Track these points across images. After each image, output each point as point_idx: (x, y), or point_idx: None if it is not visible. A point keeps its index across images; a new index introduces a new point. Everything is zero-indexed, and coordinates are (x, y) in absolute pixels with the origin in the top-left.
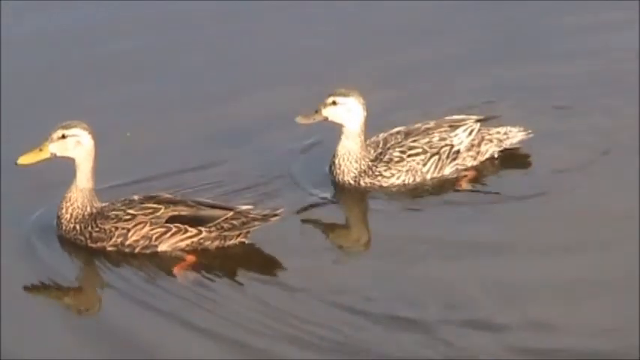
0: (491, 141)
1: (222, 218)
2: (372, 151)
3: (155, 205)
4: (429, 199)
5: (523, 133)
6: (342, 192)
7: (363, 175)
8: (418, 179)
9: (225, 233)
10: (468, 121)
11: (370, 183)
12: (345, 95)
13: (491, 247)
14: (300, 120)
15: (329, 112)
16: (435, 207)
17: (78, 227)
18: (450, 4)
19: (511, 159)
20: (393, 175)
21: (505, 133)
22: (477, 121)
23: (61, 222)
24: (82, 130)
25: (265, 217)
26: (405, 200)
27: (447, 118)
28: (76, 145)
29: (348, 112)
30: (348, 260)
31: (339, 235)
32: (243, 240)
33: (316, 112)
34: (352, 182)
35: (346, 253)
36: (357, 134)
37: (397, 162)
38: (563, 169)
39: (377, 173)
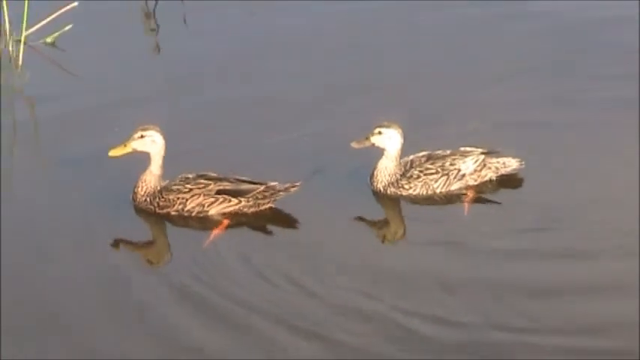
0: (490, 169)
1: (257, 191)
2: (402, 168)
3: (205, 181)
4: (442, 207)
5: (517, 163)
6: (376, 195)
7: (390, 185)
8: (430, 192)
9: (259, 202)
10: (475, 153)
11: (394, 192)
12: (387, 127)
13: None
14: (354, 145)
15: (375, 140)
16: (447, 213)
17: (148, 199)
18: None
19: (506, 181)
20: (411, 187)
21: (503, 163)
22: (482, 153)
23: (136, 196)
24: (155, 132)
25: (287, 189)
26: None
27: (460, 148)
28: (152, 143)
29: (389, 140)
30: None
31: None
32: (271, 205)
33: (366, 139)
34: (382, 190)
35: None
36: (395, 157)
37: (416, 178)
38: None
39: (400, 185)
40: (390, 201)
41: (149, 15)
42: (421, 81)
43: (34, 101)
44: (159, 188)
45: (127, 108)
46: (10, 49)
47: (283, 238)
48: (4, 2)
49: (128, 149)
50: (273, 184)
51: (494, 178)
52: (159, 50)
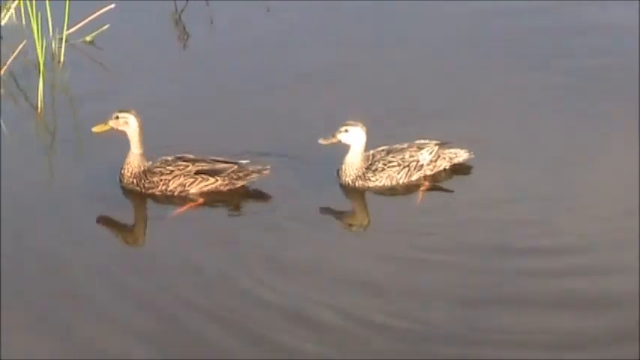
0: (444, 159)
1: (230, 170)
2: (366, 162)
3: (184, 163)
4: (402, 197)
5: (467, 154)
6: (343, 188)
7: (357, 178)
8: (394, 183)
9: (234, 181)
10: (430, 144)
11: (361, 184)
12: (353, 125)
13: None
14: (321, 142)
15: (342, 137)
16: (405, 200)
17: (134, 181)
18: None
19: (457, 170)
20: (377, 179)
21: (455, 153)
22: (436, 144)
23: (123, 177)
24: (130, 115)
25: (260, 171)
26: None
27: (415, 141)
28: (124, 124)
29: (355, 137)
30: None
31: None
32: (244, 184)
33: (333, 136)
34: (350, 183)
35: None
36: (360, 152)
37: (380, 171)
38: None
39: (366, 178)
40: (356, 192)
41: (177, 19)
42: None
43: (74, 95)
44: (143, 169)
45: (157, 104)
46: (53, 47)
47: (253, 220)
48: (47, 3)
49: (107, 127)
50: (243, 162)
51: (448, 168)
52: (185, 46)
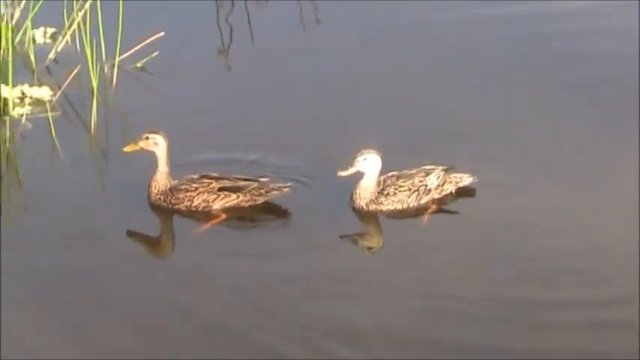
0: (450, 183)
1: (251, 187)
2: (378, 187)
3: (208, 180)
4: (413, 219)
5: (471, 178)
6: (356, 212)
7: (371, 202)
8: (404, 206)
9: (255, 197)
10: (437, 170)
11: (374, 208)
12: (370, 153)
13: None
14: (342, 174)
15: (360, 166)
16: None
17: (161, 197)
18: None
19: (463, 193)
20: (389, 203)
21: (460, 178)
22: (443, 170)
23: (151, 194)
24: (158, 136)
25: (280, 188)
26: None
27: (423, 167)
28: (154, 144)
29: (372, 164)
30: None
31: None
32: (265, 200)
33: (351, 166)
34: (364, 207)
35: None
36: (375, 178)
37: (392, 195)
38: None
39: (379, 202)
40: (370, 216)
41: (223, 50)
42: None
43: (126, 116)
44: (169, 186)
45: (201, 126)
46: (106, 71)
47: (273, 236)
48: (101, 30)
49: (137, 147)
50: (264, 180)
51: (454, 191)
52: (230, 69)
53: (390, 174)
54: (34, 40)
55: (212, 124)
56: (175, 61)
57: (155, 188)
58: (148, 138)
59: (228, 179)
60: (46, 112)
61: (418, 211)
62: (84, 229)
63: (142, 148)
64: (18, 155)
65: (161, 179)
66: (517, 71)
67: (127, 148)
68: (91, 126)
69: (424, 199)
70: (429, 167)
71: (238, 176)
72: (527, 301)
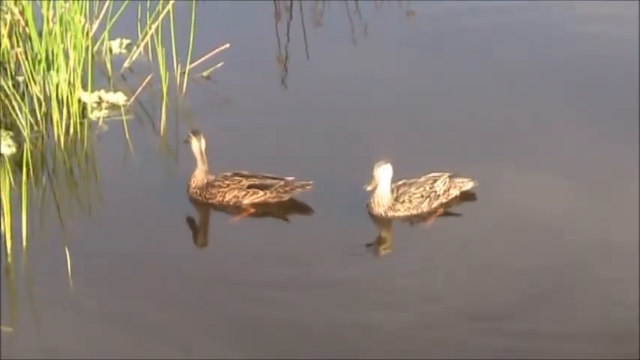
0: (455, 187)
1: (278, 185)
2: (393, 195)
3: (239, 178)
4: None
5: (472, 182)
6: (376, 219)
7: (389, 209)
8: (418, 211)
9: (280, 195)
10: (442, 176)
11: (392, 214)
12: (386, 163)
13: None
14: (368, 188)
15: (380, 176)
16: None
17: (198, 191)
18: None
19: (465, 196)
20: (405, 209)
21: (462, 182)
22: (448, 176)
23: (189, 188)
24: (193, 137)
25: (303, 186)
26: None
27: (429, 175)
28: (193, 145)
29: (389, 174)
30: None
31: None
32: (290, 196)
33: (374, 178)
34: (383, 214)
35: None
36: (389, 186)
37: (408, 202)
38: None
39: (396, 209)
40: (386, 222)
41: (281, 59)
42: None
43: (193, 123)
44: (206, 182)
45: (258, 132)
46: (176, 79)
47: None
48: (173, 42)
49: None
50: (289, 178)
51: (457, 195)
52: (286, 86)
53: (400, 182)
54: (110, 51)
55: (267, 132)
56: (239, 70)
57: (193, 183)
58: (187, 141)
59: (257, 177)
60: (121, 115)
61: (427, 215)
62: (151, 221)
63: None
64: (95, 154)
65: (198, 175)
66: (535, 78)
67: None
68: (161, 128)
69: (434, 204)
70: (434, 174)
71: (266, 175)
72: (549, 304)
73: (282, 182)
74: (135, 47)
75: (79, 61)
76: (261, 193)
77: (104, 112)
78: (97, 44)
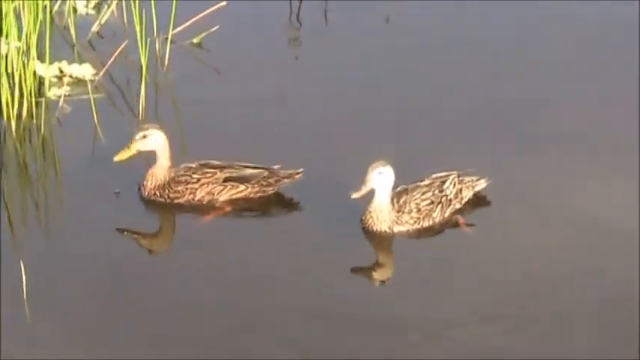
0: (467, 188)
1: (261, 176)
2: (393, 205)
3: (212, 170)
4: (442, 234)
5: (484, 181)
6: (371, 235)
7: (394, 224)
8: (431, 222)
9: (264, 188)
10: (450, 176)
11: (399, 229)
12: (384, 166)
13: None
14: (355, 196)
15: (375, 182)
16: (448, 237)
17: (158, 192)
18: None
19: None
20: (415, 221)
21: (472, 181)
22: (458, 175)
23: (145, 189)
24: (156, 131)
25: (291, 175)
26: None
27: (433, 176)
28: (154, 142)
29: (388, 178)
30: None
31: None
32: (275, 190)
33: (365, 185)
34: (387, 230)
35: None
36: (389, 194)
37: (417, 212)
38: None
39: (404, 221)
40: (386, 239)
41: (292, 24)
42: None
43: (179, 101)
44: (167, 180)
45: (265, 108)
46: (157, 47)
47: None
48: (153, 2)
49: (132, 151)
50: (275, 167)
51: (471, 197)
52: (297, 57)
53: (399, 189)
54: (74, 11)
55: (271, 113)
56: (238, 36)
57: (151, 183)
58: (145, 136)
59: (233, 167)
60: (88, 93)
61: (444, 227)
62: (123, 228)
63: (138, 152)
64: (55, 143)
65: (160, 174)
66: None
67: (118, 157)
68: (138, 111)
69: (447, 212)
70: (439, 175)
71: (244, 164)
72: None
73: (265, 172)
74: (105, 7)
75: (35, 24)
76: (242, 187)
77: (66, 89)
78: (58, 3)
